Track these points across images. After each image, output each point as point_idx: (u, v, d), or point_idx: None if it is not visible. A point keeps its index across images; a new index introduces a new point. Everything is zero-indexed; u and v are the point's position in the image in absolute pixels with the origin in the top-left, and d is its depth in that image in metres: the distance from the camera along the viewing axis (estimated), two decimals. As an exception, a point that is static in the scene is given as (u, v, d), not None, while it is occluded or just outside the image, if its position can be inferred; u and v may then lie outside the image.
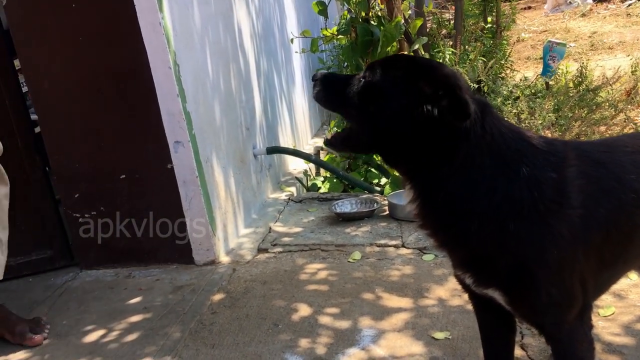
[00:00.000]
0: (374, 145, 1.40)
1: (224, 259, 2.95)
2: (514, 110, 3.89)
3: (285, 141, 4.49)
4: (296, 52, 4.81)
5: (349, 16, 4.11)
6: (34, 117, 3.00)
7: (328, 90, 1.45)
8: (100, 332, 2.39)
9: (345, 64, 5.59)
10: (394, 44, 3.73)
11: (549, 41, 4.96)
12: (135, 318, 2.47)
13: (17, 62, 2.93)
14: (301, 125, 5.17)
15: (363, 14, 3.89)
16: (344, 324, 2.27)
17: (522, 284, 1.33)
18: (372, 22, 3.84)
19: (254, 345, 2.17)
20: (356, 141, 1.43)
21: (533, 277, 1.32)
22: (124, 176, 2.86)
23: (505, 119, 1.46)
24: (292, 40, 4.62)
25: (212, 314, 2.43)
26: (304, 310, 2.39)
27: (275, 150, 3.84)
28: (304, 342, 2.17)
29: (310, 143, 5.39)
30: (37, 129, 2.98)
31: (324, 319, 2.31)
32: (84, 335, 2.38)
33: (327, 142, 1.51)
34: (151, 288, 2.73)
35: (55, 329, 2.46)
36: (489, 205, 1.29)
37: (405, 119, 1.28)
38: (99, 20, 2.67)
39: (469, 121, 1.26)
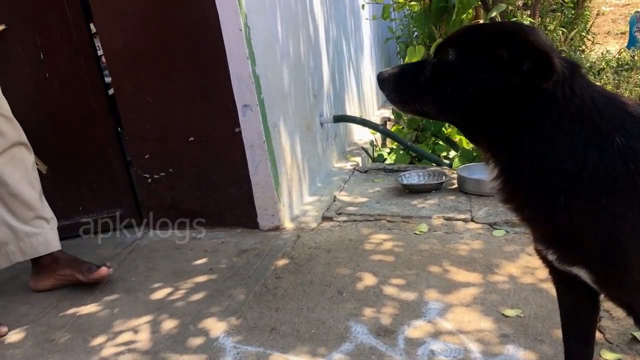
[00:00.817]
0: (455, 122, 1.35)
1: (289, 225, 2.94)
2: (598, 83, 3.67)
3: (352, 110, 4.43)
4: (366, 19, 4.70)
5: (422, -18, 3.97)
6: (107, 79, 3.05)
7: (400, 89, 1.37)
8: (167, 290, 2.43)
9: (415, 33, 5.44)
10: (470, 10, 3.58)
11: (637, 12, 4.64)
12: (200, 278, 2.50)
13: (92, 27, 2.98)
14: (368, 95, 5.08)
15: (438, -21, 3.74)
16: (409, 296, 2.21)
17: (613, 263, 1.23)
18: (448, -12, 3.68)
19: (317, 311, 2.15)
20: (434, 114, 1.37)
21: (625, 255, 1.22)
22: (192, 138, 2.88)
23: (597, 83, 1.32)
24: (362, 7, 4.52)
25: (276, 278, 2.43)
26: (368, 279, 2.35)
27: (342, 118, 3.78)
28: (368, 312, 2.13)
29: (377, 114, 5.30)
30: (111, 91, 3.04)
31: (389, 290, 2.27)
32: (152, 292, 2.43)
33: (400, 106, 1.41)
34: (216, 250, 2.75)
35: (124, 285, 2.52)
36: (579, 177, 1.19)
37: (487, 93, 1.21)
38: (172, -19, 2.66)
39: (556, 82, 1.17)
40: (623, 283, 1.27)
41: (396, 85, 1.37)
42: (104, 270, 2.47)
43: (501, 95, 1.20)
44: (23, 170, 2.45)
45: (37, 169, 2.97)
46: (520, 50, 1.17)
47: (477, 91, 1.22)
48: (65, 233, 3.08)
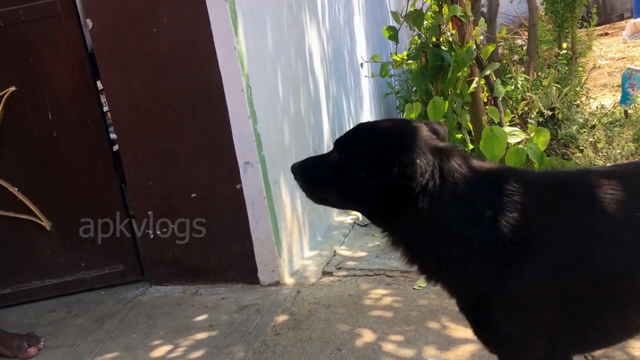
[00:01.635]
0: (358, 210, 1.55)
1: (289, 280, 2.96)
2: (590, 139, 3.75)
3: (352, 165, 4.49)
4: (365, 76, 4.83)
5: (419, 41, 4.10)
6: (113, 136, 3.14)
7: (309, 180, 1.55)
8: (167, 347, 2.45)
9: (414, 88, 5.57)
10: (465, 69, 3.68)
11: (629, 68, 4.77)
12: (201, 335, 2.51)
13: (99, 84, 3.09)
14: (368, 150, 5.16)
15: (434, 39, 3.87)
16: (408, 353, 2.22)
17: (481, 320, 1.42)
18: (443, 47, 3.80)
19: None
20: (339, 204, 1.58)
21: (489, 313, 1.38)
22: (194, 195, 2.94)
23: (474, 159, 1.47)
24: (362, 65, 4.65)
25: (275, 335, 2.44)
26: (367, 336, 2.36)
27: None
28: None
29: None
30: (116, 147, 3.12)
31: (388, 346, 2.28)
32: (152, 350, 2.44)
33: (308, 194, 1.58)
34: (217, 306, 2.77)
35: (125, 342, 2.53)
36: (453, 249, 1.38)
37: (371, 191, 1.40)
38: (177, 44, 2.77)
39: (423, 179, 1.34)
40: (490, 339, 1.43)
41: (305, 177, 1.56)
42: (32, 351, 2.53)
43: (382, 192, 1.38)
44: None
45: (42, 225, 3.03)
46: (389, 156, 1.35)
47: (364, 189, 1.41)
48: (67, 289, 3.12)
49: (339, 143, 1.49)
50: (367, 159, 1.40)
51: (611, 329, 1.40)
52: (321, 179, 1.50)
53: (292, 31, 3.37)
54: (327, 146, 3.89)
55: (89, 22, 2.80)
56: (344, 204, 1.55)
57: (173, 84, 2.84)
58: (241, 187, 2.85)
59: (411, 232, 1.43)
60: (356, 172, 1.41)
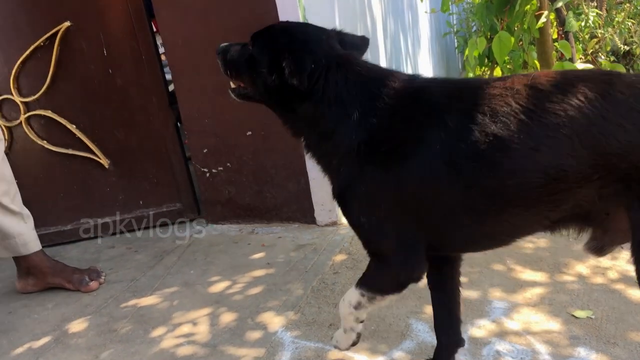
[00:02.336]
0: (263, 101, 1.62)
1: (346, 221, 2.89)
2: None
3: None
4: (425, 12, 4.61)
5: (483, -27, 3.85)
6: (168, 77, 3.09)
7: (226, 64, 1.65)
8: (225, 283, 2.44)
9: (474, 27, 5.31)
10: (534, 2, 3.44)
11: None
12: (258, 273, 2.49)
13: (154, 26, 3.03)
14: (425, 91, 4.98)
15: (500, -30, 3.62)
16: (472, 294, 2.14)
17: (343, 209, 1.56)
18: (510, -21, 3.56)
19: (377, 308, 2.11)
20: (253, 96, 1.65)
21: (347, 205, 1.53)
22: (250, 132, 2.88)
23: (369, 64, 1.54)
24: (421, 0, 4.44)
25: (334, 273, 2.39)
26: (429, 276, 2.28)
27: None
28: (429, 309, 2.06)
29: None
30: (171, 87, 3.07)
31: (451, 287, 2.19)
32: (210, 285, 2.44)
33: (233, 92, 1.69)
34: (274, 245, 2.74)
35: (183, 278, 2.54)
36: (329, 145, 1.51)
37: (270, 85, 1.52)
38: (231, -25, 2.66)
39: (310, 80, 1.45)
40: (353, 229, 1.57)
41: (225, 60, 1.65)
42: (94, 285, 2.56)
43: (279, 89, 1.50)
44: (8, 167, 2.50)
45: (100, 162, 3.05)
46: (283, 56, 1.46)
47: (265, 83, 1.53)
48: (127, 226, 3.15)
49: (253, 36, 1.59)
50: (268, 56, 1.52)
51: (460, 232, 1.48)
52: (237, 65, 1.62)
53: (349, -38, 3.21)
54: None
55: (142, -45, 2.72)
56: (255, 96, 1.63)
57: (227, 18, 2.74)
58: (296, 127, 2.77)
59: (305, 127, 1.56)
60: (260, 66, 1.54)
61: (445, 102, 1.41)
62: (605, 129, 1.25)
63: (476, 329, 1.94)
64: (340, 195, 1.53)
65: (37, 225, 2.73)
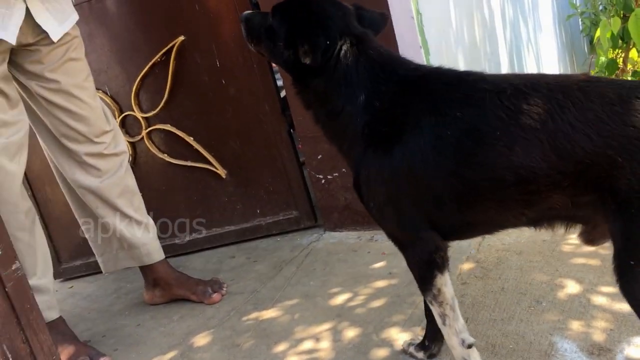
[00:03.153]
0: (286, 71, 1.67)
1: (471, 225, 2.70)
2: None
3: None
4: (547, -6, 4.27)
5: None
6: (279, 83, 3.05)
7: (249, 32, 1.70)
8: (346, 295, 2.34)
9: (601, 6, 4.87)
10: (677, -29, 3.05)
11: None
12: (380, 283, 2.37)
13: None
14: (550, 79, 4.63)
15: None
16: (625, 307, 1.87)
17: (359, 197, 1.61)
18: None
19: (514, 323, 1.91)
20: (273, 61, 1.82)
21: (359, 188, 1.59)
22: (365, 136, 2.76)
23: (381, 48, 1.59)
24: (542, -18, 4.11)
25: (462, 284, 2.22)
26: (571, 287, 2.05)
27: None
28: (575, 325, 1.84)
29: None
30: (283, 93, 3.03)
31: (598, 299, 1.95)
32: (331, 298, 2.35)
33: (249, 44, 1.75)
34: (395, 253, 2.56)
35: (303, 289, 2.47)
36: (339, 126, 1.59)
37: (286, 59, 1.59)
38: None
39: (324, 59, 1.51)
40: (367, 208, 1.62)
41: (247, 27, 1.70)
42: (216, 297, 2.55)
43: (294, 63, 1.57)
44: (132, 178, 2.56)
45: (217, 173, 3.07)
46: (299, 34, 1.53)
47: (282, 56, 1.60)
48: (245, 236, 3.16)
49: (274, 8, 1.63)
50: (285, 30, 1.58)
51: (447, 218, 1.53)
52: (258, 35, 1.68)
53: (463, -52, 3.00)
54: (505, 77, 3.50)
55: (249, -39, 2.69)
56: (272, 61, 1.74)
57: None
58: (415, 125, 2.61)
59: (315, 101, 1.62)
60: (277, 39, 1.60)
61: (441, 91, 1.47)
62: (572, 136, 1.29)
63: (634, 348, 1.70)
64: (354, 181, 1.60)
65: (162, 235, 2.79)
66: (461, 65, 2.85)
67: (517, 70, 3.73)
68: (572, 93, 1.32)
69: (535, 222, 1.48)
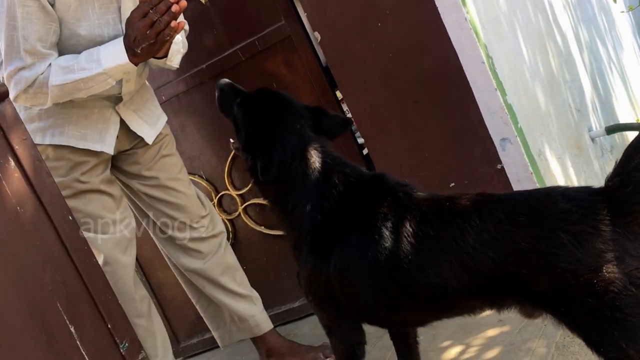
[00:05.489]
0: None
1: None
2: None
3: (625, 115, 3.89)
4: (622, 12, 4.15)
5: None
6: (360, 140, 3.13)
7: (220, 102, 1.95)
8: (458, 348, 2.31)
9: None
10: None
11: None
12: (491, 332, 2.32)
13: (338, 93, 3.11)
14: (640, 93, 4.44)
15: None
16: None
17: (299, 283, 1.83)
18: None
19: None
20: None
21: (300, 281, 1.80)
22: (453, 184, 2.76)
23: (331, 156, 1.78)
24: (615, 0, 4.01)
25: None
26: None
27: (616, 128, 3.31)
28: None
29: (656, 112, 4.58)
30: (365, 151, 3.10)
31: None
32: (443, 352, 2.33)
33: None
34: (501, 298, 2.55)
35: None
36: (290, 226, 1.81)
37: (245, 157, 1.82)
38: (404, 32, 2.63)
39: (273, 169, 1.70)
40: (305, 297, 1.89)
41: (219, 97, 1.95)
42: None
43: (249, 161, 1.81)
44: (232, 255, 2.70)
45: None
46: (252, 143, 1.79)
47: (241, 145, 1.86)
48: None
49: (239, 103, 1.85)
50: (244, 137, 1.82)
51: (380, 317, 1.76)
52: (228, 109, 1.90)
53: (524, -17, 3.01)
54: (590, 102, 3.40)
55: (317, 35, 2.83)
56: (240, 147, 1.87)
57: (408, 75, 2.71)
58: (502, 167, 2.59)
59: (270, 196, 1.83)
60: (239, 134, 1.84)
61: (368, 209, 1.64)
62: (474, 257, 1.41)
63: None
64: (298, 274, 1.80)
65: (269, 305, 2.88)
66: (541, 99, 2.82)
67: (602, 92, 3.62)
68: (469, 217, 1.45)
69: (461, 314, 1.65)
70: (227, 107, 1.92)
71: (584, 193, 1.42)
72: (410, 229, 1.53)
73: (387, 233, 1.57)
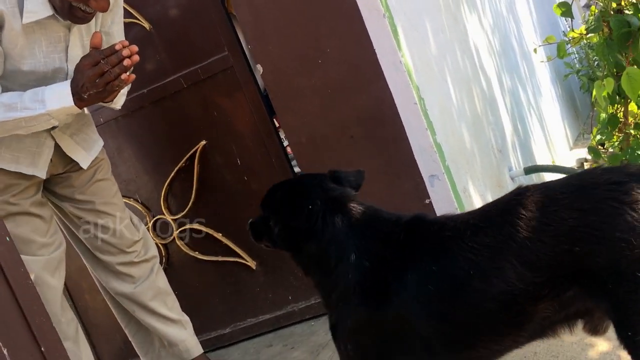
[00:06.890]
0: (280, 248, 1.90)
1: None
2: None
3: (542, 157, 4.18)
4: (541, 61, 4.49)
5: (596, 10, 3.70)
6: (297, 169, 3.23)
7: (253, 233, 1.96)
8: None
9: (597, 62, 5.06)
10: (658, 30, 3.23)
11: None
12: None
13: (276, 122, 3.21)
14: (556, 137, 4.78)
15: (614, 4, 3.46)
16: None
17: (335, 340, 1.73)
18: (627, 11, 3.39)
19: (549, 387, 1.96)
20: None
21: (338, 336, 1.71)
22: (384, 216, 2.89)
23: (361, 205, 1.78)
24: (535, 50, 4.33)
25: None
26: (601, 345, 2.10)
27: (533, 169, 3.57)
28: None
29: (570, 155, 4.94)
30: (301, 181, 3.20)
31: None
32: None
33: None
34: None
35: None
36: (330, 283, 1.71)
37: (282, 237, 1.81)
38: (342, 70, 2.77)
39: (310, 220, 1.69)
40: (339, 353, 1.73)
41: (252, 231, 1.96)
42: None
43: (287, 238, 1.80)
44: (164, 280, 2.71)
45: (248, 265, 3.20)
46: (286, 206, 1.78)
47: (278, 235, 1.82)
48: (280, 323, 3.24)
49: (262, 203, 1.88)
50: (272, 210, 1.82)
51: None
52: (260, 232, 1.90)
53: (453, 30, 3.24)
54: (510, 143, 3.65)
55: (259, 68, 2.92)
56: (276, 247, 1.89)
57: (345, 111, 2.84)
58: (430, 202, 2.75)
59: (311, 263, 1.77)
60: (271, 224, 1.81)
61: (416, 246, 1.61)
62: (532, 248, 1.40)
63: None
64: (334, 327, 1.72)
65: (199, 331, 2.89)
66: (467, 139, 3.01)
67: (521, 135, 3.89)
68: (516, 211, 1.45)
69: (537, 335, 1.55)
70: (260, 233, 1.92)
71: (621, 170, 1.45)
72: (466, 245, 1.49)
73: (443, 260, 1.53)
